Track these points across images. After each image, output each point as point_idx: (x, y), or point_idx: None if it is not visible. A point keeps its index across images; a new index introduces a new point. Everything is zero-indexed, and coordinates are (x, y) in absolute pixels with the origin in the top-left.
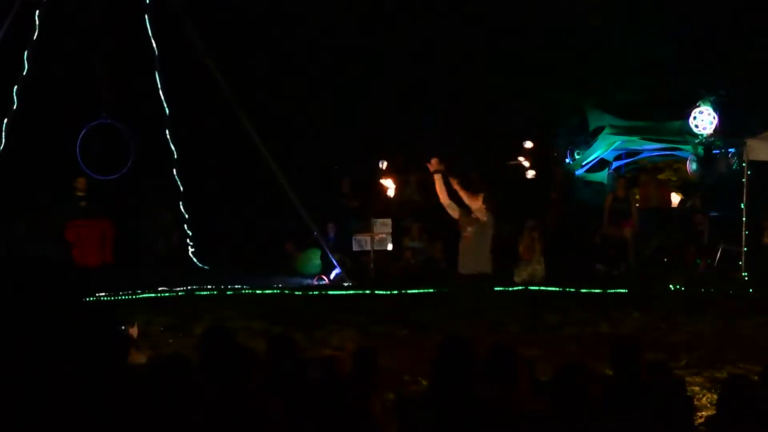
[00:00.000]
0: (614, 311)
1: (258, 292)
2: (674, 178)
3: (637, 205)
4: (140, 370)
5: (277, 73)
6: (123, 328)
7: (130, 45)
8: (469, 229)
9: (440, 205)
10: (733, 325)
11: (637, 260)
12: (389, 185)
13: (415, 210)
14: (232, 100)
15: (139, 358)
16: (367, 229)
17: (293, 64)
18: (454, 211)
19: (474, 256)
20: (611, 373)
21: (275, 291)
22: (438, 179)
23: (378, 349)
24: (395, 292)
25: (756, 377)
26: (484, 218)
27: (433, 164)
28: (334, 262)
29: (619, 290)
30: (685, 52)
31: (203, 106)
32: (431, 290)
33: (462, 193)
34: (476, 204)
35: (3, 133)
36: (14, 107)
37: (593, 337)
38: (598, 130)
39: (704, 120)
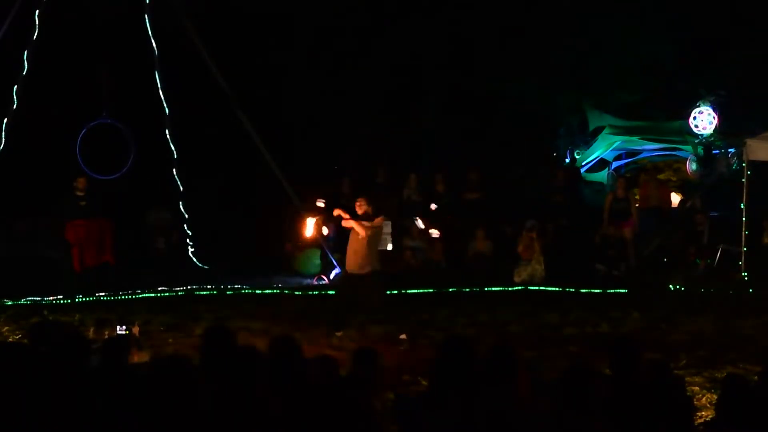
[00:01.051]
0: (614, 311)
1: (258, 292)
2: (674, 178)
3: (637, 205)
4: (141, 369)
5: (276, 73)
6: (125, 327)
7: (130, 45)
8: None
9: (440, 204)
10: (733, 325)
11: (637, 260)
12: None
13: (415, 210)
14: (232, 100)
15: (142, 357)
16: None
17: (293, 63)
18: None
19: (365, 255)
20: (611, 373)
21: (275, 291)
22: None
23: (378, 349)
24: (395, 292)
25: (756, 377)
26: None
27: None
28: (334, 262)
29: (619, 290)
30: (685, 52)
31: (203, 106)
32: (431, 290)
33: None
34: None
35: (3, 133)
36: (14, 107)
37: (593, 337)
38: (598, 130)
39: (704, 120)
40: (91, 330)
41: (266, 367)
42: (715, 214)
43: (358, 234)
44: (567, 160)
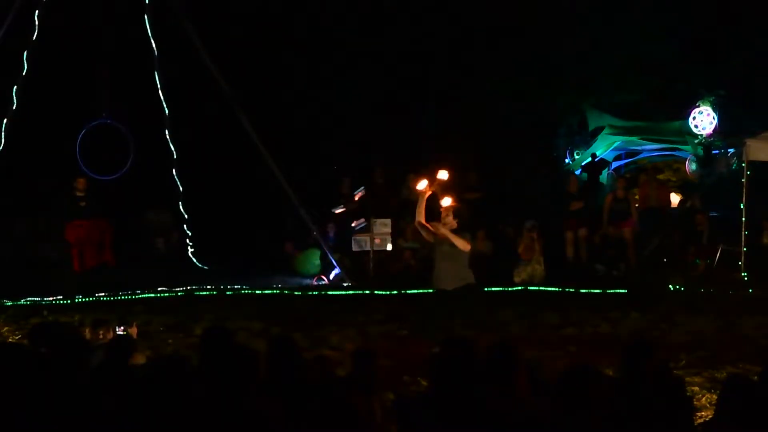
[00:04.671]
0: (614, 311)
1: (258, 292)
2: (674, 178)
3: (637, 205)
4: (140, 370)
5: (276, 73)
6: (123, 328)
7: (130, 45)
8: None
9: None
10: (733, 325)
11: (637, 260)
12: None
13: (413, 210)
14: (231, 100)
15: (139, 358)
16: (367, 229)
17: (292, 63)
18: (426, 233)
19: (455, 271)
20: (611, 373)
21: (275, 291)
22: (422, 199)
23: (378, 349)
24: (395, 292)
25: (756, 377)
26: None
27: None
28: (334, 262)
29: (619, 290)
30: (685, 52)
31: (203, 106)
32: (431, 290)
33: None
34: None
35: (3, 133)
36: (14, 107)
37: (593, 337)
38: (598, 130)
39: (704, 120)
40: (87, 330)
41: (265, 367)
42: (715, 214)
43: (447, 247)
44: (567, 160)
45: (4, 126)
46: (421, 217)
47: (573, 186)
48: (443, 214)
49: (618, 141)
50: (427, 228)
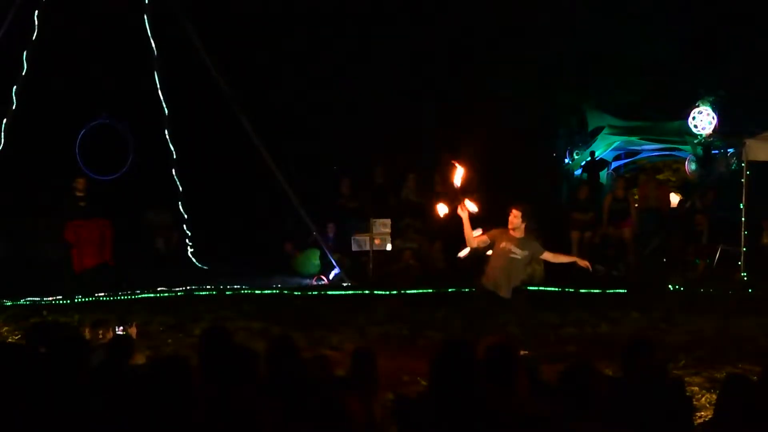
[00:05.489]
0: (614, 311)
1: (258, 292)
2: (673, 179)
3: (636, 205)
4: (139, 370)
5: (276, 73)
6: (122, 328)
7: (129, 45)
8: (515, 249)
9: (438, 205)
10: (732, 325)
11: (636, 260)
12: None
13: (413, 210)
14: (231, 100)
15: (138, 358)
16: (367, 229)
17: (293, 63)
18: (483, 242)
19: (515, 279)
20: (611, 373)
21: (275, 291)
22: (466, 221)
23: (378, 349)
24: (394, 292)
25: (756, 377)
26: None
27: (464, 207)
28: (333, 262)
29: (618, 290)
30: (685, 52)
31: (203, 106)
32: (431, 290)
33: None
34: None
35: (2, 133)
36: (14, 107)
37: (593, 337)
38: (598, 130)
39: (703, 120)
40: (87, 330)
41: (264, 367)
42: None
43: (511, 253)
44: (567, 160)
45: (4, 126)
46: (472, 239)
47: (582, 194)
48: (511, 218)
49: (618, 141)
50: (485, 239)
